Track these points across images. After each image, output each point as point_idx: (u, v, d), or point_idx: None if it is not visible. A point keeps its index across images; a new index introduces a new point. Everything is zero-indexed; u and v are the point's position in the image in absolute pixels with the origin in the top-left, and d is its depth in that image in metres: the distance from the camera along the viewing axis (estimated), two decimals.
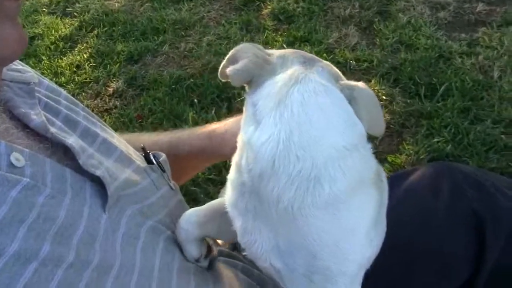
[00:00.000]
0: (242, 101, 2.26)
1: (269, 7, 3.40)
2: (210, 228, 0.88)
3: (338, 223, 0.70)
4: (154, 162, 0.94)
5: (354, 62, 2.76)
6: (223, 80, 0.84)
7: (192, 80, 2.75)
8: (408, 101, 2.46)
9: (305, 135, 0.68)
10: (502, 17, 3.03)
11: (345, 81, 0.79)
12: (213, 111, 2.49)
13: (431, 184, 1.31)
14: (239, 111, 2.45)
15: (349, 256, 0.74)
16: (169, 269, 0.79)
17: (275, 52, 0.80)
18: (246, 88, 0.80)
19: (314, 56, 0.81)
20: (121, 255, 0.70)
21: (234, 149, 1.03)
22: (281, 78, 0.73)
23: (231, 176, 0.77)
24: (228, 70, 0.77)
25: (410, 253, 1.12)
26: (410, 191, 1.27)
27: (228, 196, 0.78)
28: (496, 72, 2.56)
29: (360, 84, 0.79)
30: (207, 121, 2.39)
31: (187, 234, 0.86)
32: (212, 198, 2.00)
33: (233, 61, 0.79)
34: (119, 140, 0.92)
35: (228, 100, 2.56)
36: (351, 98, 0.75)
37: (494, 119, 2.29)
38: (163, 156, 0.98)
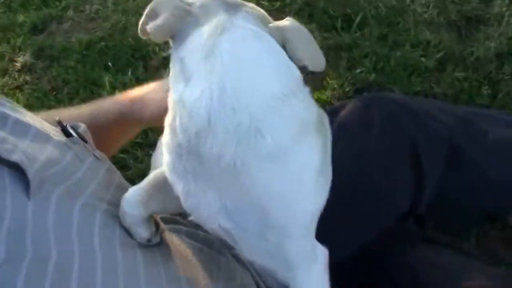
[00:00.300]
0: (158, 58, 2.16)
1: None
2: (155, 205, 0.83)
3: (284, 174, 0.67)
4: (74, 133, 0.88)
5: (266, 3, 2.68)
6: (144, 38, 0.78)
7: (103, 43, 2.60)
8: (325, 35, 2.42)
9: (238, 85, 0.64)
10: None
11: (273, 23, 0.75)
12: (129, 72, 2.38)
13: (363, 117, 1.30)
14: (156, 68, 2.38)
15: (299, 206, 0.72)
16: (111, 246, 0.74)
17: (196, 2, 0.74)
18: (171, 43, 0.76)
19: (236, 0, 0.76)
20: (55, 243, 0.64)
21: (153, 113, 0.98)
22: (206, 29, 0.68)
23: (165, 139, 0.72)
24: (149, 27, 0.73)
25: (349, 189, 1.10)
26: (341, 127, 1.25)
27: (165, 160, 0.73)
28: None
29: (289, 22, 0.76)
30: (125, 84, 2.30)
31: (133, 217, 0.81)
32: (142, 163, 1.96)
33: (152, 16, 0.74)
34: (32, 118, 0.84)
35: (143, 58, 2.44)
36: (284, 39, 0.72)
37: (412, 43, 2.29)
38: (82, 126, 0.93)
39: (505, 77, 2.05)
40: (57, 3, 3.04)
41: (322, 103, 2.07)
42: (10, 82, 2.57)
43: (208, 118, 0.63)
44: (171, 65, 0.74)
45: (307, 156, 0.70)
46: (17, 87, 2.55)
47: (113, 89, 2.29)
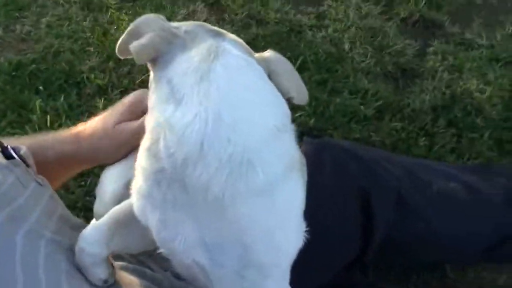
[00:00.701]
0: (91, 86, 2.07)
1: None
2: (117, 243, 0.77)
3: (272, 211, 0.64)
4: (15, 155, 0.81)
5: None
6: (122, 57, 0.76)
7: (34, 65, 2.48)
8: None
9: (235, 115, 0.61)
10: None
11: (258, 54, 0.75)
12: (62, 98, 2.27)
13: (314, 160, 1.29)
14: (90, 96, 2.29)
15: (283, 246, 0.69)
16: (57, 280, 0.68)
17: (181, 26, 0.73)
18: (149, 65, 0.73)
19: (219, 29, 0.75)
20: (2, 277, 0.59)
21: (108, 155, 0.91)
22: (197, 53, 0.66)
23: (142, 163, 0.66)
24: (132, 46, 0.69)
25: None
26: None
27: (138, 187, 0.67)
28: (347, 44, 2.61)
29: (272, 54, 0.76)
30: (57, 109, 2.20)
31: (93, 257, 0.74)
32: (73, 194, 1.85)
33: (135, 35, 0.70)
34: None
35: (77, 85, 2.34)
36: (270, 71, 0.72)
37: (350, 90, 2.33)
38: (23, 149, 0.86)
39: (440, 130, 2.11)
40: None
41: None
42: None
43: (200, 144, 0.59)
44: (152, 86, 0.70)
45: (293, 193, 0.68)
46: None
47: (44, 114, 2.18)
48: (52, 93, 2.33)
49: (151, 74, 0.75)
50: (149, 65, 0.74)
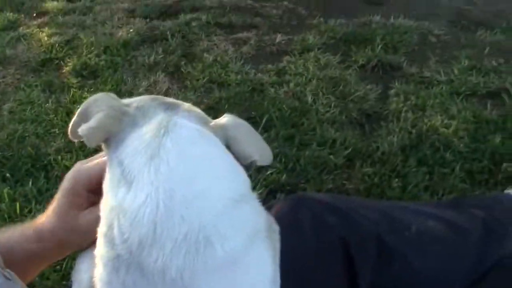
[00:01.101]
0: (59, 168, 2.05)
1: (69, 64, 3.21)
2: None
3: (235, 286, 0.61)
4: None
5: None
6: (75, 140, 0.72)
7: (0, 153, 2.47)
8: None
9: (187, 191, 0.58)
10: (301, 44, 3.17)
11: (214, 122, 0.71)
12: (30, 183, 2.24)
13: (290, 220, 1.27)
14: (58, 178, 2.25)
15: None
16: None
17: (132, 102, 0.70)
18: (103, 146, 0.70)
19: (173, 99, 0.72)
20: None
21: (76, 246, 0.88)
22: (148, 129, 0.63)
23: (100, 251, 0.63)
24: (81, 129, 0.65)
25: None
26: None
27: (99, 274, 0.64)
28: (309, 97, 2.63)
29: (229, 118, 0.72)
30: (26, 195, 2.16)
31: None
32: (59, 269, 1.80)
33: (85, 116, 0.68)
34: None
35: (44, 168, 2.31)
36: (227, 137, 0.69)
37: (318, 141, 2.33)
38: None
39: (412, 170, 2.10)
40: None
41: None
42: None
43: (153, 227, 0.56)
44: (107, 169, 0.67)
45: (259, 266, 0.64)
46: None
47: (13, 202, 2.13)
48: (20, 179, 2.30)
49: (105, 155, 0.72)
50: (102, 146, 0.71)
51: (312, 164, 2.19)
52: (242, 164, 0.68)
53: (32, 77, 3.20)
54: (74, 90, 2.92)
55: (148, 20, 3.74)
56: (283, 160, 2.22)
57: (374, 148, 2.26)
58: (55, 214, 0.90)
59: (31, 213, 2.03)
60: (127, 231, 0.57)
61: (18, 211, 2.08)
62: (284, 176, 2.13)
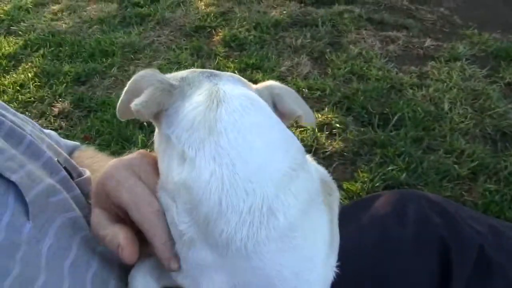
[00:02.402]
0: None
1: (220, 34, 3.39)
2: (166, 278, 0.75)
3: (295, 253, 0.64)
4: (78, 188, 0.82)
5: (307, 90, 2.75)
6: (123, 119, 0.73)
7: None
8: (362, 129, 2.46)
9: (249, 165, 0.61)
10: (449, 52, 3.11)
11: (257, 85, 0.74)
12: None
13: (396, 211, 1.29)
14: None
15: (311, 285, 0.67)
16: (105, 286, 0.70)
17: (175, 75, 0.72)
18: (154, 123, 0.71)
19: (212, 70, 0.73)
20: (46, 269, 0.62)
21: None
22: (199, 100, 0.65)
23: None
24: (133, 104, 0.66)
25: (374, 282, 1.08)
26: (374, 219, 1.24)
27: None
28: (446, 104, 2.60)
29: (271, 82, 0.75)
30: None
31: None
32: None
33: (134, 93, 0.68)
34: (49, 147, 0.81)
35: None
36: (273, 95, 0.72)
37: (446, 149, 2.31)
38: (87, 174, 0.87)
39: None
40: (104, 59, 3.16)
41: (351, 195, 2.07)
42: (45, 125, 2.60)
43: (219, 202, 0.59)
44: (159, 144, 0.69)
45: (316, 231, 0.67)
46: (51, 131, 2.56)
47: (145, 148, 2.30)
48: (154, 129, 2.46)
49: (156, 132, 0.72)
50: (153, 123, 0.71)
51: (434, 170, 2.18)
52: (287, 124, 0.70)
53: (184, 40, 3.40)
54: (220, 58, 3.07)
55: (302, 4, 3.82)
56: (407, 159, 2.23)
57: (502, 166, 2.21)
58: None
59: None
60: (194, 208, 0.60)
61: None
62: (404, 175, 2.15)
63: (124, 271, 0.74)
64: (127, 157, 0.71)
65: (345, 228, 0.83)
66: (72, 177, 0.81)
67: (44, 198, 0.67)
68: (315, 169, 0.72)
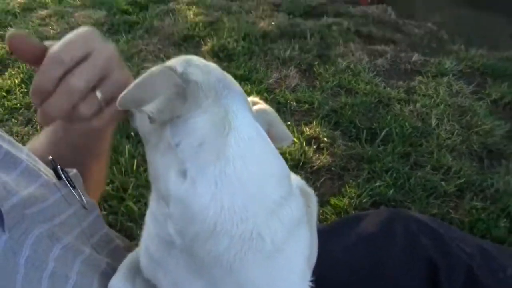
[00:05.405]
0: None
1: (208, 44, 3.39)
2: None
3: (276, 272, 0.67)
4: (63, 177, 0.81)
5: (295, 103, 2.75)
6: (121, 108, 0.64)
7: None
8: (349, 144, 2.46)
9: (247, 194, 0.63)
10: (437, 68, 3.14)
11: (255, 107, 0.74)
12: None
13: (385, 230, 1.29)
14: None
15: None
16: None
17: (189, 73, 0.68)
18: (153, 124, 0.68)
19: (225, 74, 0.73)
20: (23, 281, 0.61)
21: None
22: (211, 121, 0.64)
23: (151, 230, 0.69)
24: (149, 109, 0.63)
25: None
26: (362, 237, 1.23)
27: (151, 250, 0.70)
28: (434, 120, 2.62)
29: (262, 103, 0.76)
30: (144, 155, 2.30)
31: None
32: None
33: (144, 88, 0.63)
34: (28, 155, 0.80)
35: None
36: (268, 122, 0.74)
37: (433, 165, 2.32)
38: (73, 171, 0.86)
39: None
40: None
41: (339, 210, 2.07)
42: (31, 132, 2.59)
43: (214, 226, 0.61)
44: (161, 149, 0.67)
45: (298, 249, 0.70)
46: None
47: (132, 158, 2.31)
48: (142, 140, 2.44)
49: (150, 127, 0.70)
50: (151, 124, 0.69)
51: (421, 186, 2.19)
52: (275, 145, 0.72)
53: (172, 49, 3.40)
54: None
55: (291, 16, 3.84)
56: (394, 175, 2.23)
57: (489, 184, 2.21)
58: None
59: (146, 172, 2.16)
60: (186, 223, 0.62)
61: (134, 168, 2.24)
62: (392, 191, 2.15)
63: (104, 282, 0.74)
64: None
65: (332, 246, 0.85)
66: (57, 174, 0.81)
67: (20, 209, 0.66)
68: (294, 180, 0.74)
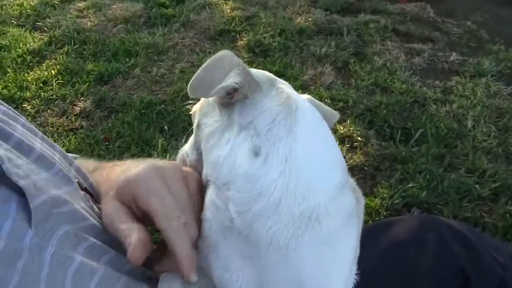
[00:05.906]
0: None
1: (244, 39, 3.39)
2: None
3: (328, 258, 0.68)
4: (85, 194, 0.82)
5: (329, 101, 2.73)
6: (192, 96, 0.68)
7: (163, 106, 2.67)
8: (383, 144, 2.44)
9: (311, 174, 0.66)
10: (475, 68, 3.09)
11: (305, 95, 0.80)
12: (183, 140, 2.40)
13: (417, 237, 1.27)
14: None
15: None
16: None
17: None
18: (223, 109, 0.73)
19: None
20: (47, 278, 0.62)
21: None
22: (278, 100, 0.70)
23: (208, 215, 0.69)
24: (223, 87, 0.66)
25: None
26: (394, 244, 1.23)
27: (208, 238, 0.71)
28: (470, 122, 2.58)
29: (306, 95, 0.80)
30: (177, 149, 2.32)
31: None
32: None
33: (214, 71, 0.68)
34: (60, 160, 0.82)
35: None
36: (315, 105, 0.77)
37: (468, 168, 2.29)
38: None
39: None
40: (127, 59, 3.18)
41: (370, 211, 2.06)
42: (65, 124, 2.63)
43: (278, 201, 0.63)
44: (235, 130, 0.69)
45: (348, 241, 0.71)
46: (72, 130, 2.59)
47: (165, 152, 2.33)
48: (175, 134, 2.49)
49: (214, 120, 0.74)
50: (218, 108, 0.74)
51: (455, 189, 2.16)
52: None
53: (207, 43, 3.41)
54: None
55: (328, 12, 3.82)
56: (427, 177, 2.21)
57: None
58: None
59: None
60: (250, 203, 0.64)
61: None
62: (425, 193, 2.13)
63: (130, 278, 0.74)
64: (161, 164, 0.73)
65: (364, 252, 0.85)
66: (85, 190, 0.82)
67: (48, 207, 0.67)
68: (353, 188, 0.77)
